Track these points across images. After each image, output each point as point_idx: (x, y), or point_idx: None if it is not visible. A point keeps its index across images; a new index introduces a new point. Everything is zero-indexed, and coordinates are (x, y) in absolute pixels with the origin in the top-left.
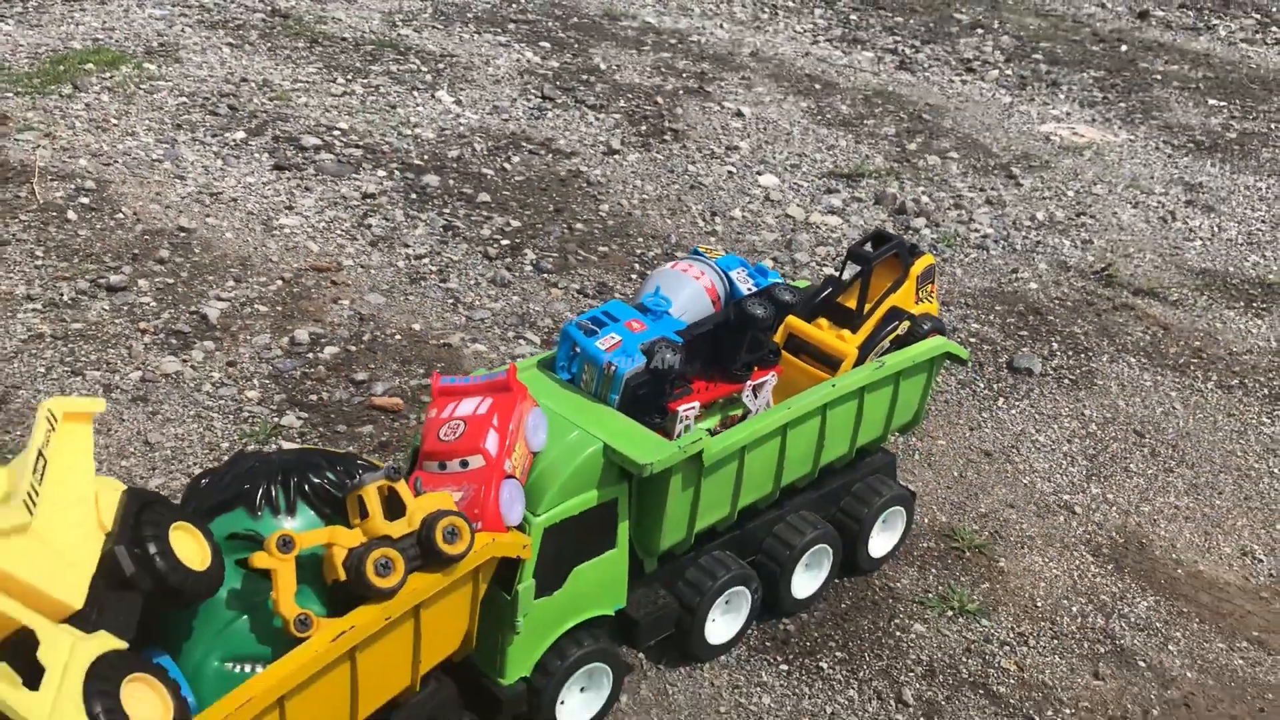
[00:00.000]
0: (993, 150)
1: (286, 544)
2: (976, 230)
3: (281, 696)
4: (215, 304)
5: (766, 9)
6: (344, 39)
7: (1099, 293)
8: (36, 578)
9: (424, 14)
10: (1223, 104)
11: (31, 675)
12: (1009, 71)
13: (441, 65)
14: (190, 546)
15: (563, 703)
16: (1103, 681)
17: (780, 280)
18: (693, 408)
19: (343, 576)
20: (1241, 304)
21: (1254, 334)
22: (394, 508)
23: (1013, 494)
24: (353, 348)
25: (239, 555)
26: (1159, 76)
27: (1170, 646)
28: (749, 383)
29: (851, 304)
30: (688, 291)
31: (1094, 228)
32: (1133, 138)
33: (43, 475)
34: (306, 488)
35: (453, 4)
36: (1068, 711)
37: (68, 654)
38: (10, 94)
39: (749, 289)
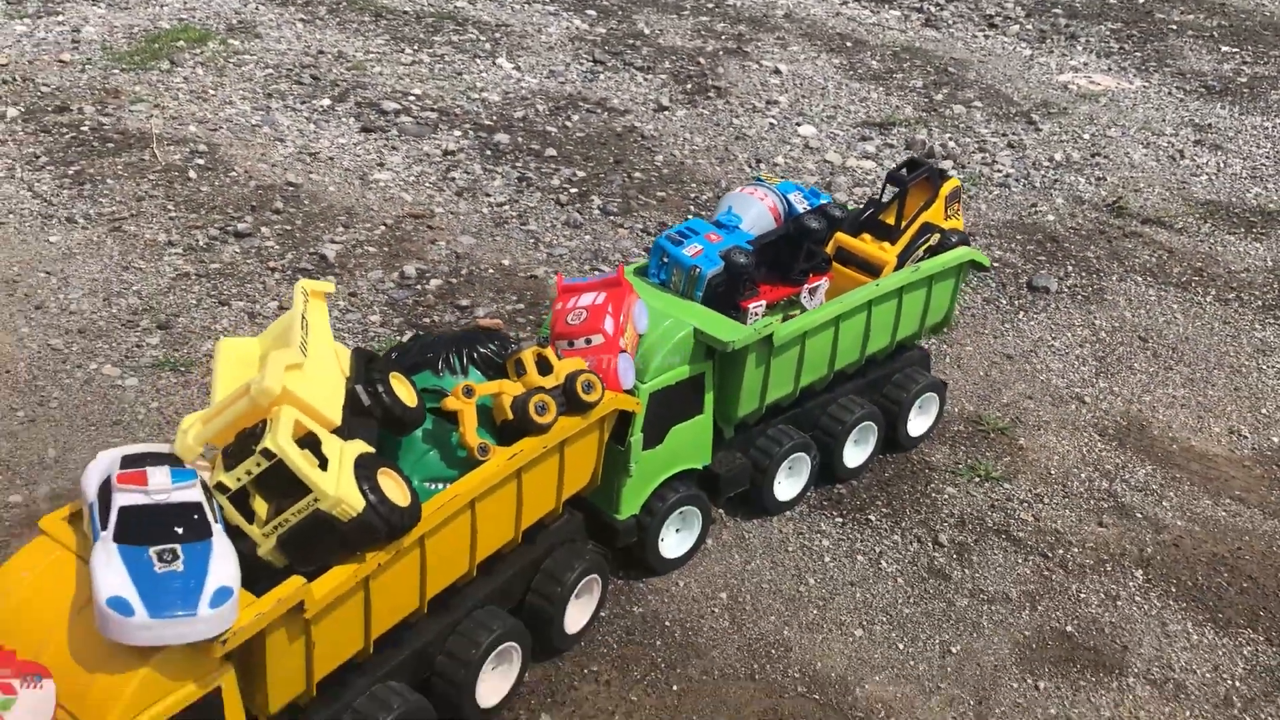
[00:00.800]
0: (1014, 99)
1: (469, 392)
2: (999, 170)
3: (473, 499)
4: (330, 246)
5: None
6: (405, 12)
7: (1110, 222)
8: (313, 400)
9: None
10: (1235, 50)
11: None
12: (1029, 26)
13: (498, 34)
14: (403, 390)
15: (663, 539)
16: (1105, 529)
17: (830, 200)
18: (760, 305)
19: (510, 416)
20: (1242, 230)
21: (1251, 255)
22: (544, 368)
23: (1031, 388)
24: (454, 280)
25: (430, 405)
26: (1174, 26)
27: (1164, 503)
28: (805, 286)
29: (890, 221)
30: (754, 210)
31: (1107, 166)
32: (1147, 84)
33: (306, 333)
34: (475, 355)
35: None
36: (1075, 551)
37: (340, 451)
38: (116, 70)
39: (804, 208)
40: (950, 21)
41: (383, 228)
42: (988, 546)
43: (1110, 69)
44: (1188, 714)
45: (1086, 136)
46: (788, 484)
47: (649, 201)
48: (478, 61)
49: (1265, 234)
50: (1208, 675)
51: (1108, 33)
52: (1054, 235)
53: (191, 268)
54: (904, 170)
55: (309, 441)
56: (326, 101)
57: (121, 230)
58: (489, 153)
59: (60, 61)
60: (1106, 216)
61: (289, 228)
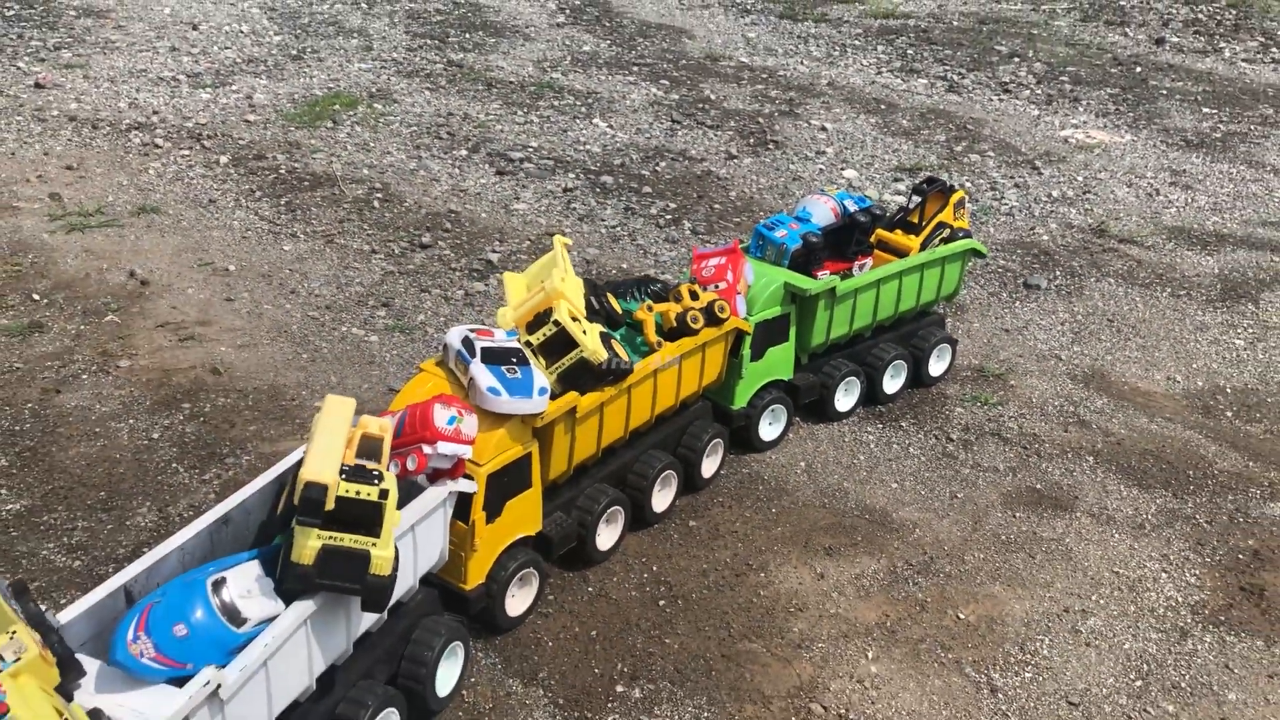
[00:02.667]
0: (1021, 150)
1: (650, 308)
2: (1006, 204)
3: (655, 370)
4: (492, 254)
5: (838, 48)
6: (510, 82)
7: (1093, 241)
8: (574, 299)
9: (565, 61)
10: (1214, 111)
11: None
12: (1039, 91)
13: (590, 101)
14: (614, 304)
15: (762, 425)
16: (1069, 433)
17: (873, 204)
18: (825, 274)
19: (674, 324)
20: (1199, 248)
21: (1203, 266)
22: (693, 297)
23: (1021, 351)
24: (589, 277)
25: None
26: (1165, 91)
27: (1113, 420)
28: (856, 263)
29: (914, 220)
30: (821, 209)
31: (1095, 201)
32: (1135, 138)
33: (565, 269)
34: (649, 290)
35: (585, 54)
36: (1046, 445)
37: (589, 327)
38: (291, 127)
39: (854, 209)
40: (970, 88)
41: (528, 241)
42: (984, 442)
43: (1105, 125)
44: (1114, 534)
45: (1080, 179)
46: (844, 399)
47: (727, 225)
48: (577, 122)
49: (1216, 251)
50: (1129, 512)
51: (1106, 96)
52: (1047, 250)
53: (394, 267)
54: (924, 184)
55: (573, 321)
56: (464, 152)
57: (334, 242)
58: (598, 190)
59: (246, 121)
60: (1090, 237)
61: (458, 241)
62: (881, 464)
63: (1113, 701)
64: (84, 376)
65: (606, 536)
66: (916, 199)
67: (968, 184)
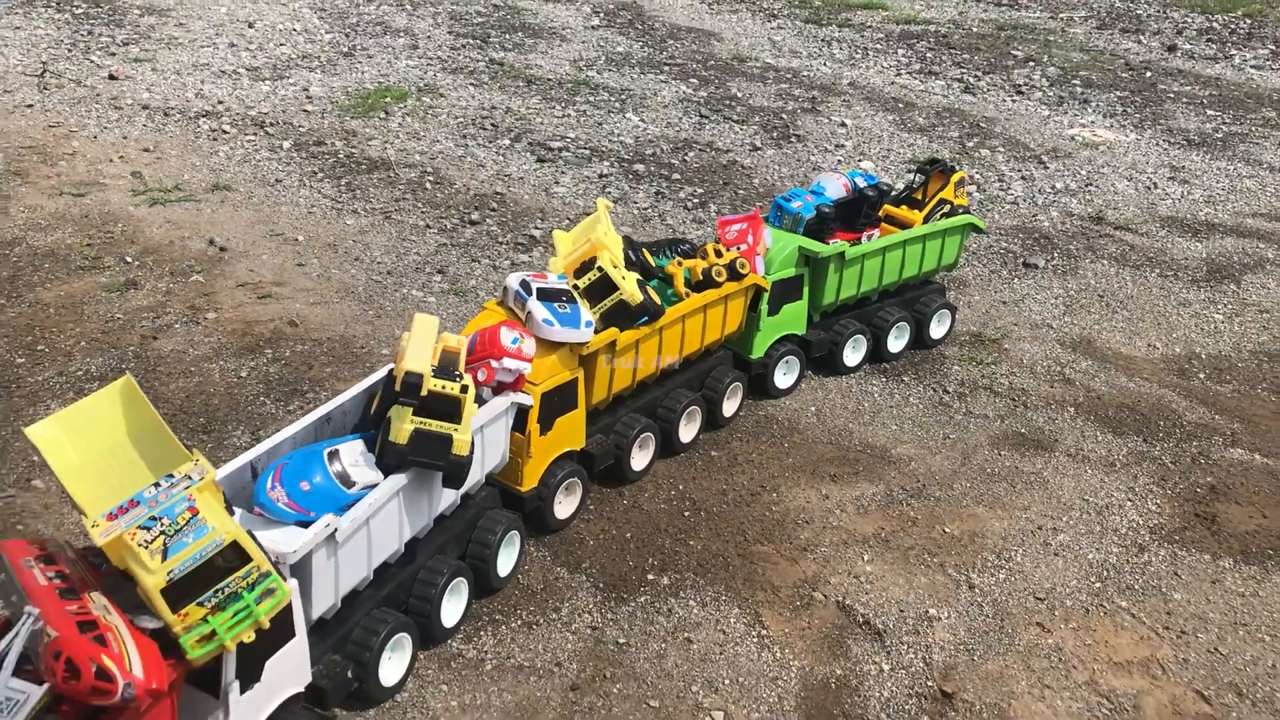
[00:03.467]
0: (1030, 146)
1: (679, 264)
2: (1012, 194)
3: (683, 315)
4: (535, 230)
5: (859, 51)
6: (549, 79)
7: (1091, 228)
8: (615, 250)
9: (599, 61)
10: (1218, 114)
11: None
12: (1050, 93)
13: (624, 97)
14: (649, 258)
15: (777, 374)
16: (1054, 389)
17: (880, 181)
18: (836, 242)
19: (700, 277)
20: (1189, 235)
21: (1192, 251)
22: (717, 254)
23: (1017, 320)
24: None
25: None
26: (1172, 95)
27: (1095, 379)
28: (864, 234)
29: (919, 197)
30: (834, 184)
31: (1096, 193)
32: (1139, 137)
33: (607, 226)
34: (679, 248)
35: (618, 54)
36: (1033, 398)
37: (627, 275)
38: (347, 117)
39: (863, 185)
40: (985, 89)
41: (567, 220)
42: (977, 395)
43: (1112, 125)
44: (1088, 470)
45: (1083, 173)
46: (852, 355)
47: (750, 209)
48: (612, 115)
49: (1205, 238)
50: (1103, 453)
51: (1115, 99)
52: (1047, 235)
53: (447, 240)
54: (927, 165)
55: (613, 268)
56: (507, 141)
57: (391, 218)
58: (631, 176)
59: (304, 111)
60: (1088, 224)
61: (504, 219)
62: (883, 410)
63: (1074, 598)
64: (176, 326)
65: (639, 459)
66: (920, 178)
67: (976, 175)
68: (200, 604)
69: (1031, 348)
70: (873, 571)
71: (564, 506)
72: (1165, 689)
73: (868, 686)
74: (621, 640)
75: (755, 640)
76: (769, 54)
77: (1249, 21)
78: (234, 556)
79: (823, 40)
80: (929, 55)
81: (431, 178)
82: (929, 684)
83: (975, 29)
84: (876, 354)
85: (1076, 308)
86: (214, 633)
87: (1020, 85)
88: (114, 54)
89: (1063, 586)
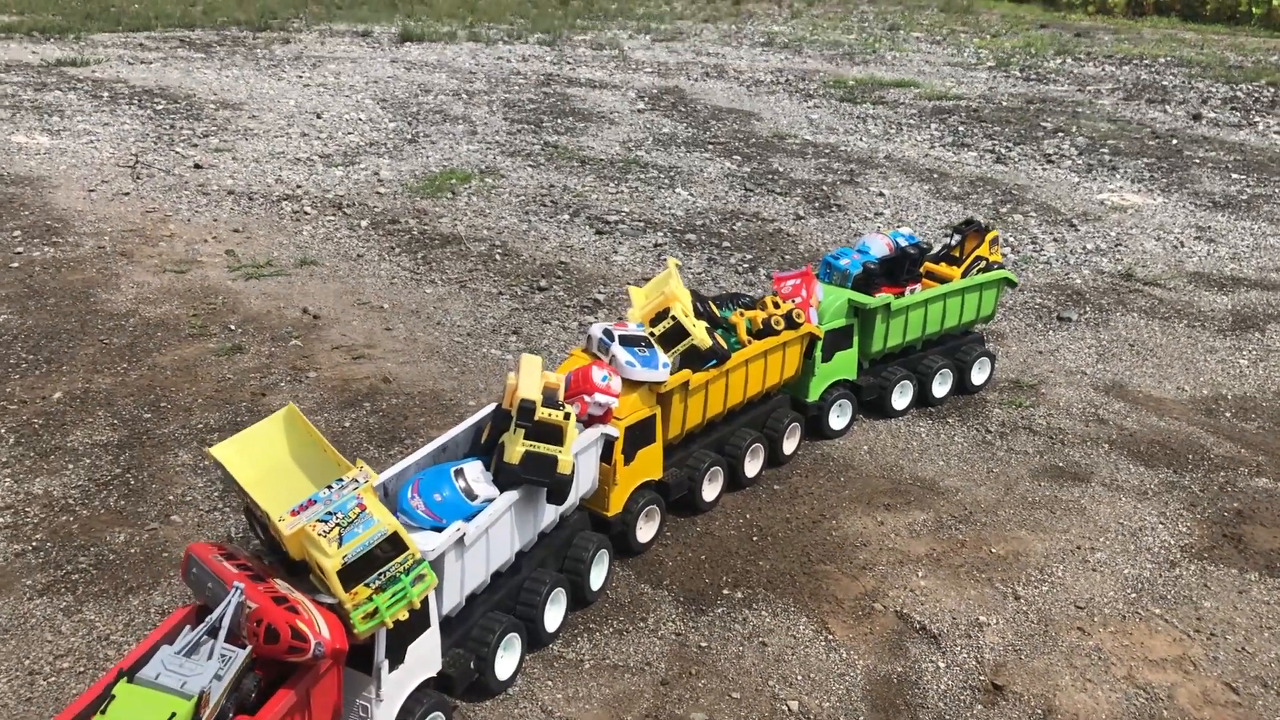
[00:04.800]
0: (1061, 211)
1: (741, 314)
2: (1044, 255)
3: (746, 360)
4: (599, 294)
5: (894, 126)
6: (601, 159)
7: (1121, 284)
8: (684, 301)
9: (647, 142)
10: (1242, 177)
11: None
12: (1079, 161)
13: (672, 174)
14: (714, 309)
15: (832, 416)
16: (1089, 428)
17: (919, 240)
18: (883, 296)
19: (760, 327)
20: (1215, 289)
21: (1218, 304)
22: (776, 307)
23: (1053, 369)
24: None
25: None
26: (1198, 161)
27: (1128, 419)
28: (907, 288)
29: (956, 254)
30: (878, 244)
31: (1125, 252)
32: (1166, 200)
33: (676, 282)
34: (741, 301)
35: (664, 134)
36: (1069, 436)
37: (696, 323)
38: (418, 198)
39: (905, 244)
40: (1016, 159)
41: (628, 285)
42: (1017, 433)
43: (1140, 190)
44: (1122, 498)
45: (1113, 234)
46: (899, 399)
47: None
48: (662, 191)
49: (1231, 292)
50: (1135, 483)
51: (1143, 165)
52: (1079, 291)
53: (518, 305)
54: (964, 225)
55: (685, 317)
56: (566, 216)
57: (466, 287)
58: (684, 245)
59: (377, 193)
60: (1119, 281)
61: (569, 285)
62: (931, 448)
63: (1111, 606)
64: (282, 384)
65: (709, 490)
66: (958, 237)
67: (1010, 238)
68: (366, 585)
69: (1067, 392)
70: (926, 586)
71: (645, 531)
72: (1197, 682)
73: (926, 681)
74: (703, 644)
75: (823, 643)
76: (807, 131)
77: (1273, 90)
78: (392, 546)
79: (858, 117)
80: (960, 128)
81: (500, 250)
82: (981, 678)
83: (1005, 103)
84: (922, 399)
85: (1109, 356)
86: (376, 610)
87: (1050, 154)
88: (196, 145)
89: (1100, 597)
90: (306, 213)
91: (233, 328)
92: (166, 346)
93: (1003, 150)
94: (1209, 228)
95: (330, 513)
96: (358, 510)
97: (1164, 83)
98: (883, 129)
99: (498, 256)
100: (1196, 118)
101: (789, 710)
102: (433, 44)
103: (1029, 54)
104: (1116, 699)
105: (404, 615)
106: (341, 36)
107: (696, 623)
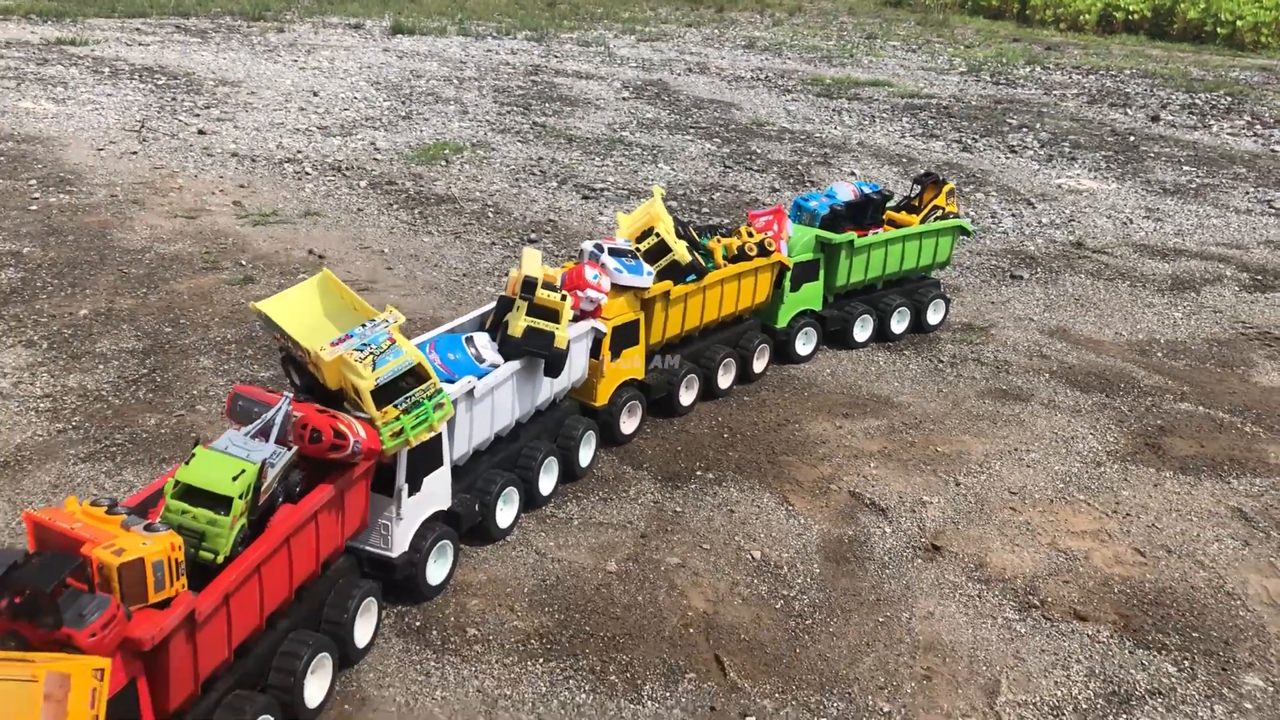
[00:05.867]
0: (1020, 192)
1: (718, 241)
2: (1002, 226)
3: (722, 279)
4: (587, 243)
5: (867, 119)
6: (588, 138)
7: (1071, 251)
8: (666, 222)
9: (631, 124)
10: (1193, 169)
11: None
12: (1041, 152)
13: (655, 152)
14: (693, 235)
15: (798, 343)
16: (1031, 361)
17: (882, 188)
18: (847, 234)
19: (735, 253)
20: (1158, 258)
21: (1159, 269)
22: (750, 236)
23: (1003, 315)
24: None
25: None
26: (1153, 154)
27: (1068, 356)
28: (869, 232)
29: (916, 204)
30: (844, 189)
31: (1077, 226)
32: (1120, 186)
33: (660, 208)
34: (719, 230)
35: (648, 119)
36: (1014, 368)
37: (677, 240)
38: (412, 164)
39: (869, 191)
40: (981, 149)
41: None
42: (967, 364)
43: (1095, 177)
44: (1057, 414)
45: (1068, 212)
46: (860, 332)
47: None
48: (645, 165)
49: (1173, 260)
50: (1071, 404)
51: (1100, 157)
52: (1032, 255)
53: (510, 253)
54: (923, 177)
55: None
56: (554, 184)
57: (461, 237)
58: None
59: (374, 160)
60: (1069, 249)
61: (558, 238)
62: (887, 373)
63: (1041, 492)
64: None
65: (686, 396)
66: (917, 188)
67: (971, 212)
68: (395, 406)
69: (1015, 334)
70: (878, 474)
71: (627, 424)
72: (1110, 548)
73: (874, 542)
74: (678, 509)
75: (784, 512)
76: (785, 120)
77: (1229, 99)
78: (415, 378)
79: (833, 110)
80: (930, 122)
81: (492, 209)
82: (922, 541)
83: (974, 103)
84: (881, 334)
85: (1055, 307)
86: (403, 430)
87: (1014, 146)
88: (198, 115)
89: (1032, 485)
90: (308, 173)
91: (243, 263)
92: (182, 277)
93: (969, 141)
94: (1157, 209)
95: (364, 344)
96: (388, 343)
97: (1127, 90)
98: (857, 120)
99: (490, 214)
100: (1155, 119)
101: (752, 558)
102: (423, 37)
103: (1000, 62)
104: (1040, 558)
105: (426, 436)
106: (334, 28)
107: (672, 494)
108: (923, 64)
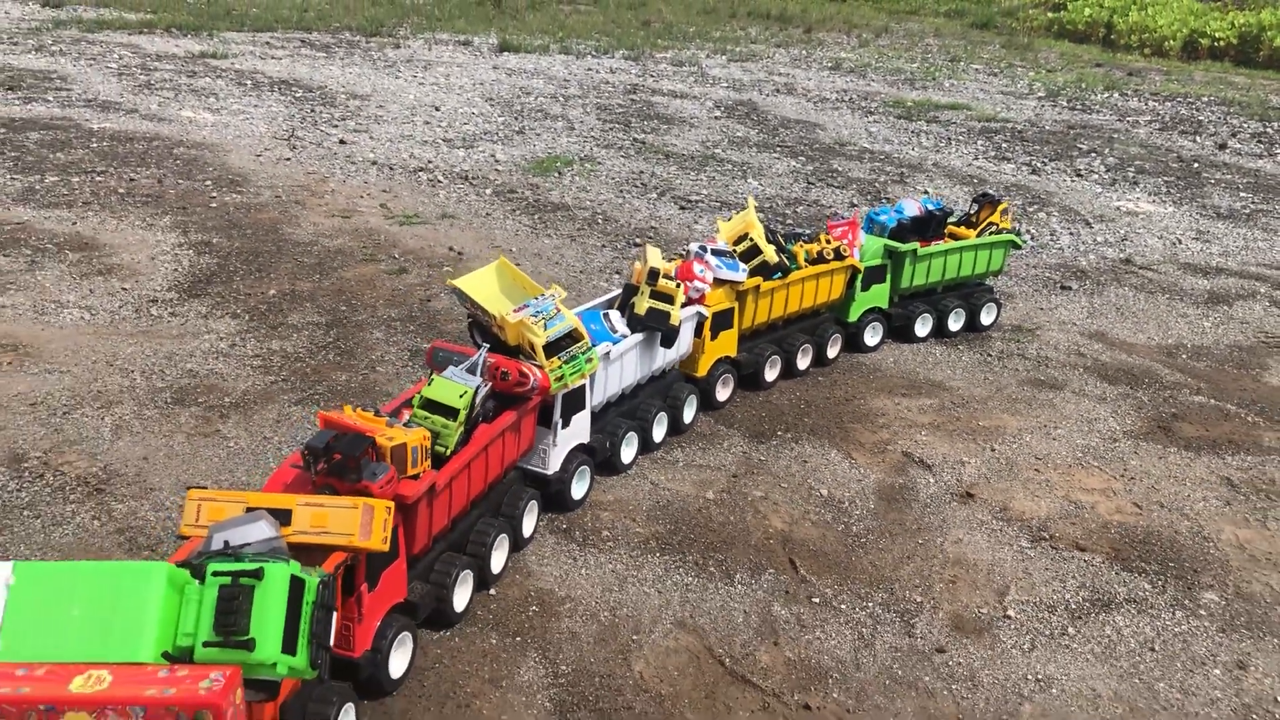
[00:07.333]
0: (1079, 213)
1: (801, 246)
2: (1059, 244)
3: (803, 278)
4: (683, 251)
5: (944, 141)
6: (684, 154)
7: (1120, 267)
8: (761, 232)
9: (723, 143)
10: (1250, 196)
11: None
12: (1106, 176)
13: (744, 168)
14: (781, 240)
15: (866, 333)
16: (1070, 359)
17: (944, 205)
18: (912, 243)
19: (815, 256)
20: (1199, 275)
21: (1199, 285)
22: (827, 243)
23: (1050, 320)
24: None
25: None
26: (1213, 182)
27: (1103, 355)
28: (932, 243)
29: (973, 220)
30: (911, 205)
31: (1129, 246)
32: (1176, 210)
33: (753, 215)
34: (802, 236)
35: (738, 137)
36: (1054, 363)
37: (768, 245)
38: (530, 175)
39: (933, 208)
40: (1049, 172)
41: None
42: (1012, 358)
43: (1154, 201)
44: (1085, 401)
45: (1122, 232)
46: (920, 328)
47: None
48: (735, 180)
49: (1213, 278)
50: (1098, 393)
51: (1161, 183)
52: (1083, 270)
53: (618, 254)
54: (981, 196)
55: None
56: (654, 195)
57: (575, 241)
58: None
59: (495, 170)
60: (1118, 265)
61: (660, 243)
62: (942, 363)
63: (1061, 459)
64: (441, 295)
65: (770, 374)
66: (975, 206)
67: (1031, 230)
68: (558, 358)
69: (1057, 335)
70: (927, 440)
71: (722, 393)
72: (1113, 501)
73: (919, 488)
74: (762, 459)
75: (848, 464)
76: (865, 140)
77: None
78: (572, 337)
79: (912, 132)
80: (1004, 145)
81: (601, 217)
82: (958, 490)
83: (1048, 127)
84: (940, 332)
85: (1097, 314)
86: (563, 375)
87: (1080, 170)
88: (336, 125)
89: (1055, 454)
90: (440, 181)
91: (396, 256)
92: (347, 266)
93: (1038, 164)
94: (1207, 231)
95: (537, 311)
96: (554, 311)
97: (1200, 118)
98: (934, 142)
99: (599, 220)
100: (1222, 147)
101: (820, 495)
102: (528, 54)
103: (1079, 88)
104: (1054, 506)
105: (580, 381)
106: (445, 45)
107: (757, 448)
108: (1002, 88)
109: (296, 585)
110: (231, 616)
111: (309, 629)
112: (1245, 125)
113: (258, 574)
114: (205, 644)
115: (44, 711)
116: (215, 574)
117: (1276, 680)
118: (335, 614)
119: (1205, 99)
